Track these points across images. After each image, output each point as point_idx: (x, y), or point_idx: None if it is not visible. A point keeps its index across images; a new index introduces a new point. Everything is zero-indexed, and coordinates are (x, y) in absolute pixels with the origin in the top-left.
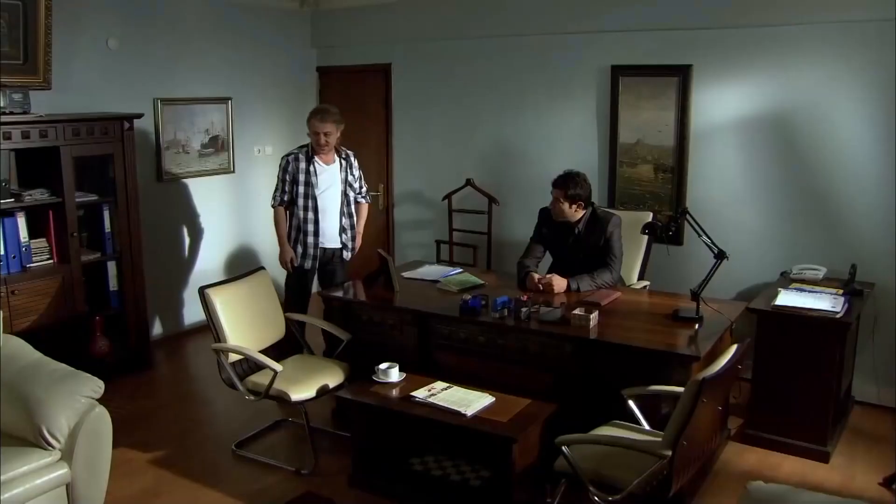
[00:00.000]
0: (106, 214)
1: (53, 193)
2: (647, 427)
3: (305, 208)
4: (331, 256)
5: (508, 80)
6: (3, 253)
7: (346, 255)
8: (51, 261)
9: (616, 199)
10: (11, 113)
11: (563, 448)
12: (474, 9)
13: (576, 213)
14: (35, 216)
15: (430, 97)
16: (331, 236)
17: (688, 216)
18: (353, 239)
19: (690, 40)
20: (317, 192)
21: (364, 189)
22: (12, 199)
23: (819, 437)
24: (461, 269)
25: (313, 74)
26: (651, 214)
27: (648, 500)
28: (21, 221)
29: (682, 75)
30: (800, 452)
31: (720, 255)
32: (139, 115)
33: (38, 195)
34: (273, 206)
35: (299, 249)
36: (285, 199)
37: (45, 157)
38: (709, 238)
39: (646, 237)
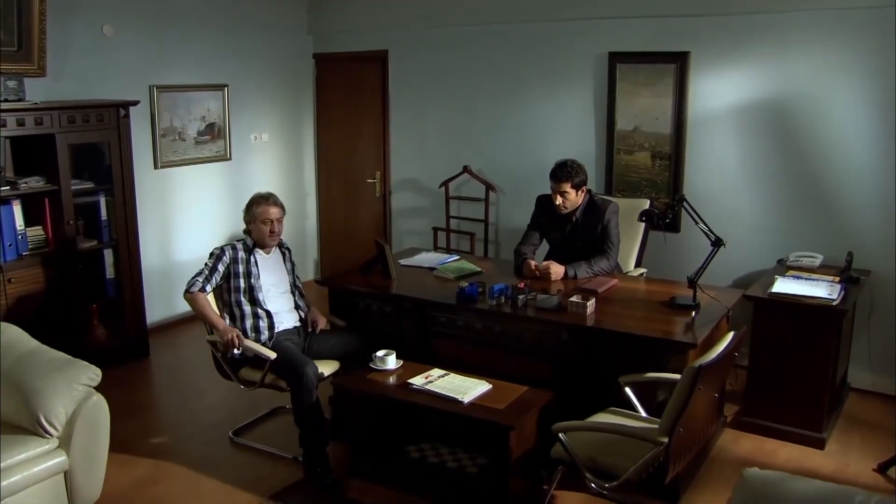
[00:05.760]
0: (102, 202)
1: (49, 181)
2: (643, 414)
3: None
4: None
5: (506, 66)
6: None
7: None
8: (47, 249)
9: (613, 187)
10: (6, 100)
11: (559, 435)
12: None
13: (579, 199)
14: (31, 204)
15: (428, 84)
16: None
17: (685, 203)
18: None
19: (688, 27)
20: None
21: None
22: (8, 187)
23: (814, 423)
24: (458, 257)
25: (310, 61)
26: (648, 202)
27: (645, 486)
28: (17, 209)
29: (679, 62)
30: (795, 439)
31: (717, 243)
32: (135, 103)
33: (33, 183)
34: None
35: None
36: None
37: (40, 145)
38: (706, 225)
39: (643, 224)
